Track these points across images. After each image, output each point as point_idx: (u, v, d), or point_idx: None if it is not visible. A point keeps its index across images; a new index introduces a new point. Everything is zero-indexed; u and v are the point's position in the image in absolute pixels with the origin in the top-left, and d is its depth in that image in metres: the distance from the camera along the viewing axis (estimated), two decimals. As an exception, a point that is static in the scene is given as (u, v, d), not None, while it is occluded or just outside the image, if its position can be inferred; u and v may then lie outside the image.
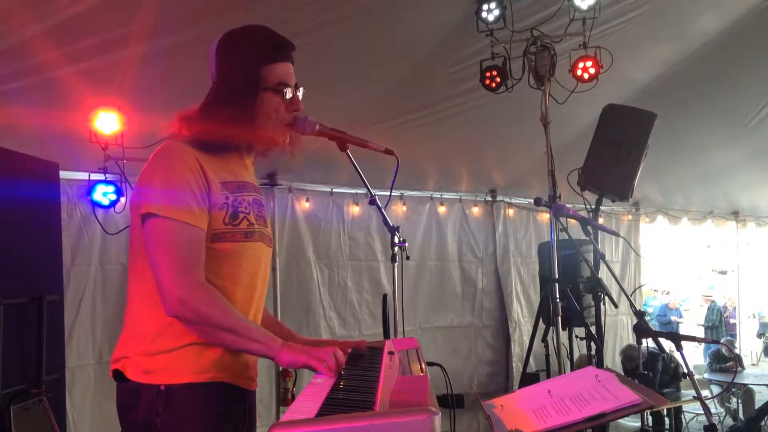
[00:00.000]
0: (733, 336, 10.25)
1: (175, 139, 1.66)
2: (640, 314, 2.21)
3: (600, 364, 3.89)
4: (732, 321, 10.96)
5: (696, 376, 2.23)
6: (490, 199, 7.32)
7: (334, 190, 6.12)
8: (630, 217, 8.57)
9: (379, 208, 2.19)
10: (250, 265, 1.69)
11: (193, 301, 1.50)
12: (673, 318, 11.40)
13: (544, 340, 4.07)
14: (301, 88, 1.76)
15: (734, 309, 10.85)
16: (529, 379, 4.33)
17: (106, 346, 4.79)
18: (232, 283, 1.64)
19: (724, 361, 7.52)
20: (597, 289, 4.05)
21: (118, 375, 1.61)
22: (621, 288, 2.51)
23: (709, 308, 11.41)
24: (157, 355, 1.56)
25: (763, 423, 5.80)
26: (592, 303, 4.12)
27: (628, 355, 6.38)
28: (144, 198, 1.57)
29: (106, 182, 4.34)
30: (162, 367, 1.55)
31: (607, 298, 4.00)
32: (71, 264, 4.64)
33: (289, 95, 1.72)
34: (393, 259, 2.30)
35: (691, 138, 6.37)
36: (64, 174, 4.20)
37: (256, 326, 1.63)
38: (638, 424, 4.49)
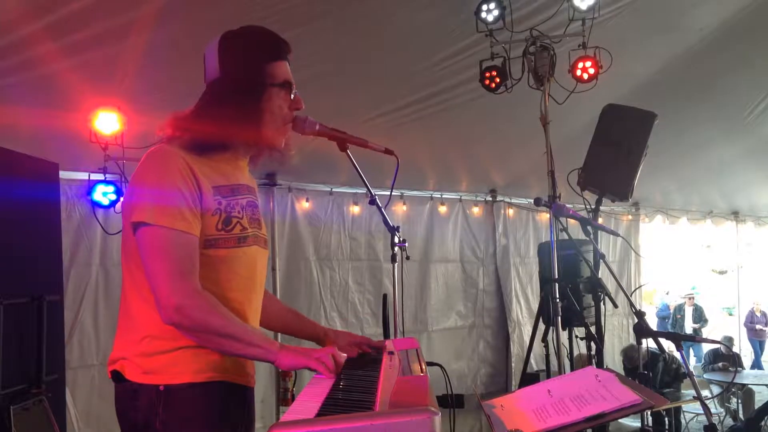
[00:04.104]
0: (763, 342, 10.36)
1: (167, 142, 1.64)
2: (639, 314, 2.21)
3: (600, 364, 3.89)
4: (758, 327, 10.93)
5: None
6: (490, 199, 7.33)
7: (333, 190, 6.12)
8: (630, 217, 8.58)
9: (379, 208, 2.19)
10: (246, 270, 1.68)
11: (189, 309, 1.49)
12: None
13: (544, 340, 4.07)
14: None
15: (761, 314, 10.84)
16: (529, 379, 4.33)
17: (110, 347, 4.76)
18: (228, 288, 1.63)
19: (721, 360, 7.54)
20: (597, 289, 4.05)
21: (117, 376, 1.60)
22: (621, 288, 2.51)
23: (694, 309, 11.41)
24: (155, 356, 1.56)
25: (762, 423, 5.79)
26: (592, 303, 4.12)
27: (629, 355, 6.38)
28: (135, 204, 1.56)
29: (106, 182, 4.34)
30: (161, 367, 1.55)
31: (607, 298, 3.99)
32: (70, 264, 4.64)
33: (293, 93, 1.73)
34: (393, 259, 2.30)
35: (689, 134, 6.38)
36: (63, 174, 4.20)
37: (254, 330, 1.62)
38: (638, 424, 4.49)
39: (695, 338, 2.37)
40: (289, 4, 3.53)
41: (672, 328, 10.86)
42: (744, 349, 10.87)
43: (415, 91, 4.87)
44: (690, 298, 11.35)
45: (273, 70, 1.69)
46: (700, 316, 10.99)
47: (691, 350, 10.49)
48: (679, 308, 11.30)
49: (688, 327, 10.91)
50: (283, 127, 1.74)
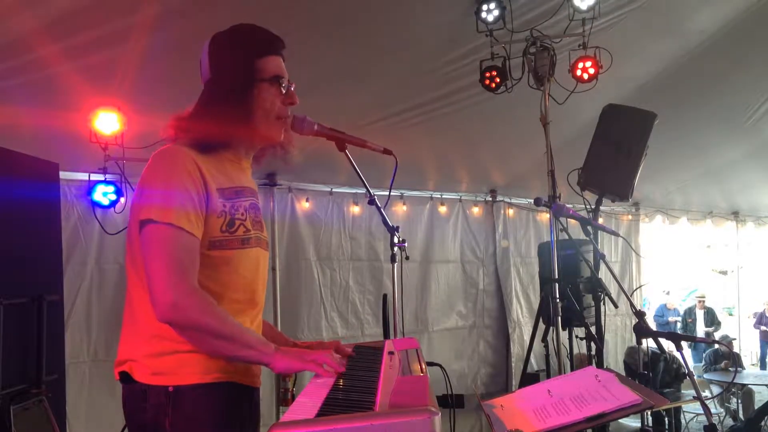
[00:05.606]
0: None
1: (173, 142, 1.65)
2: (640, 314, 2.20)
3: (600, 364, 3.89)
4: (763, 328, 10.86)
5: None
6: (490, 199, 7.33)
7: (333, 190, 6.12)
8: (630, 217, 8.58)
9: (379, 208, 2.19)
10: (248, 271, 1.68)
11: (185, 307, 1.48)
12: (671, 318, 11.29)
13: (544, 340, 4.07)
14: (293, 85, 1.75)
15: None
16: (529, 379, 4.33)
17: (102, 344, 4.82)
18: (231, 289, 1.63)
19: (722, 360, 7.53)
20: (597, 289, 4.05)
21: (125, 377, 1.60)
22: (621, 288, 2.51)
23: (706, 312, 11.29)
24: (164, 356, 1.56)
25: (762, 423, 5.80)
26: (592, 303, 4.12)
27: (633, 355, 6.38)
28: (144, 203, 1.56)
29: (106, 182, 4.34)
30: (170, 368, 1.55)
31: (607, 298, 4.00)
32: (66, 263, 4.65)
33: (284, 87, 1.72)
34: (392, 259, 2.30)
35: (690, 136, 6.39)
36: (64, 174, 4.21)
37: (250, 332, 1.61)
38: (638, 424, 4.49)
39: (694, 338, 2.36)
40: (292, 6, 3.53)
41: (683, 332, 10.71)
42: (744, 349, 10.85)
43: (416, 95, 4.87)
44: (700, 301, 11.15)
45: (262, 65, 1.69)
46: (712, 320, 10.77)
47: (691, 351, 10.41)
48: (690, 311, 11.12)
49: (701, 331, 10.71)
50: (276, 121, 1.73)
